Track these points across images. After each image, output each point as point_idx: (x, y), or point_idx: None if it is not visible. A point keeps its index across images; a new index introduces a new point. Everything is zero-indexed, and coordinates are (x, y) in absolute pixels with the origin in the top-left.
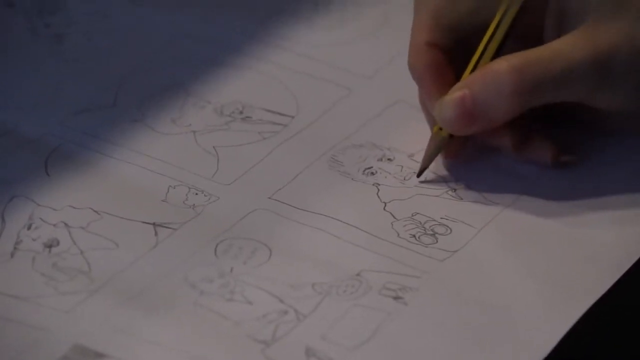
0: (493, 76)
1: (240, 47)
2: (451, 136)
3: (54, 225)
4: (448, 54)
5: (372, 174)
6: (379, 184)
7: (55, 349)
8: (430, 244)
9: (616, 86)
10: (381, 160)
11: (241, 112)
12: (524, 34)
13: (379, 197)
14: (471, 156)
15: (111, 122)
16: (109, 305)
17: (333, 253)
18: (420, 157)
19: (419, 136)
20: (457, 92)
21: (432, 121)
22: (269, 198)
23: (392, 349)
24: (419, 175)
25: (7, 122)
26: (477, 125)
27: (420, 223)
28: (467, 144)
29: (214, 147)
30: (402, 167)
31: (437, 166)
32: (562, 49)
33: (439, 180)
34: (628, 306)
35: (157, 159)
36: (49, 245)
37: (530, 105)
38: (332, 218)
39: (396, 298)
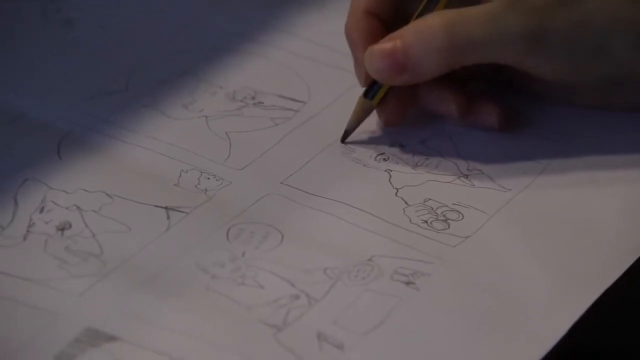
0: (426, 30)
1: (252, 33)
2: (379, 103)
3: (67, 208)
4: (386, 24)
5: (385, 160)
6: (391, 170)
7: (67, 332)
8: (442, 230)
9: (548, 54)
10: (393, 146)
11: (253, 98)
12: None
13: (391, 183)
14: (412, 122)
15: (123, 107)
16: (121, 289)
17: (345, 238)
18: (433, 144)
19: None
20: (389, 42)
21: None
22: (281, 183)
23: (404, 333)
24: (343, 139)
25: (19, 106)
26: (407, 76)
27: (432, 209)
28: (403, 111)
29: (226, 132)
30: (414, 153)
31: (448, 151)
32: (497, 10)
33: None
34: (638, 295)
35: (169, 143)
36: (62, 228)
37: (461, 62)
38: (344, 203)
39: (408, 283)
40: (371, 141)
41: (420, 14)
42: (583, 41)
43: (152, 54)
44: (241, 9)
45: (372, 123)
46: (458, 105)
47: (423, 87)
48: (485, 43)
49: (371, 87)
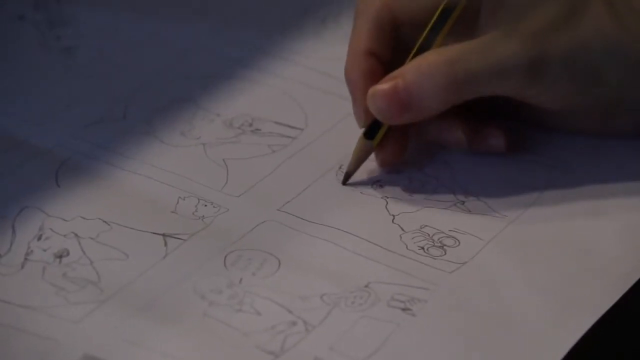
0: (427, 67)
1: (249, 60)
2: (379, 144)
3: (64, 235)
4: (386, 63)
5: (381, 187)
6: (388, 197)
7: (65, 359)
8: (438, 256)
9: (548, 84)
10: (390, 173)
11: (250, 125)
12: (458, 23)
13: (387, 209)
14: (409, 149)
15: (121, 134)
16: (119, 316)
17: (342, 264)
18: (429, 170)
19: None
20: (390, 81)
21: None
22: (278, 210)
23: None
24: (344, 182)
25: (18, 133)
26: (410, 114)
27: (429, 235)
28: (402, 151)
29: (223, 159)
30: (411, 179)
31: (445, 178)
32: (495, 43)
33: (447, 191)
34: (634, 320)
35: (167, 170)
36: (59, 256)
37: (464, 97)
38: (341, 230)
39: (404, 309)
40: (368, 168)
41: (417, 52)
42: (582, 65)
43: (151, 81)
44: (239, 36)
45: None
46: (466, 132)
47: (425, 121)
48: (487, 76)
49: (371, 128)
